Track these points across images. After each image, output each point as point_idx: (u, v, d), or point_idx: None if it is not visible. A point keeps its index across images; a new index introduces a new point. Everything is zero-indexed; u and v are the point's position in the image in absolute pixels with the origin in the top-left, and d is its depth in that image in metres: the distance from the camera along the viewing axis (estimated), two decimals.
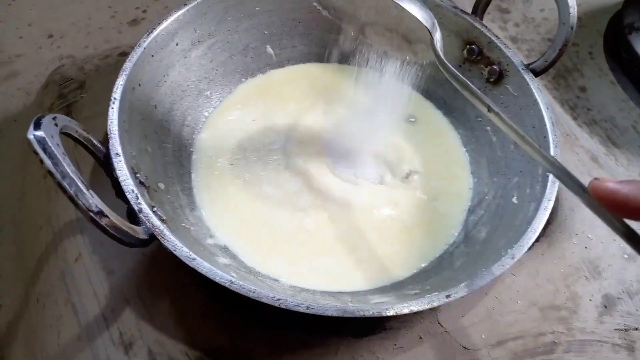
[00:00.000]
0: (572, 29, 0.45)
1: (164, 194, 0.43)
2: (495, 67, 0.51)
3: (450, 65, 0.39)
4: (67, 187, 0.30)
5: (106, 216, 0.32)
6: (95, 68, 0.55)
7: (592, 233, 0.49)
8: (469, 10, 0.53)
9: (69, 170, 0.31)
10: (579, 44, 0.68)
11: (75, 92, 0.53)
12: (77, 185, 0.31)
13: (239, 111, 0.54)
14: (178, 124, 0.49)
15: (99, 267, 0.44)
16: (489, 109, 0.36)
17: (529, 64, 0.49)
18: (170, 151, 0.47)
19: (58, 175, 0.30)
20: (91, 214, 0.31)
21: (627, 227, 0.28)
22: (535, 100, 0.47)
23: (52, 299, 0.43)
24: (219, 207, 0.47)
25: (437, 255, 0.46)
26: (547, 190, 0.42)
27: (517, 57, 0.49)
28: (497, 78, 0.51)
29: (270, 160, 0.50)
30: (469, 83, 0.38)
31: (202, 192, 0.48)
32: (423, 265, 0.45)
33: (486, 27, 0.51)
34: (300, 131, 0.53)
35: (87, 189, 0.31)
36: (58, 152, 0.31)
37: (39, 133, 0.31)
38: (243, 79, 0.56)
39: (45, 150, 0.31)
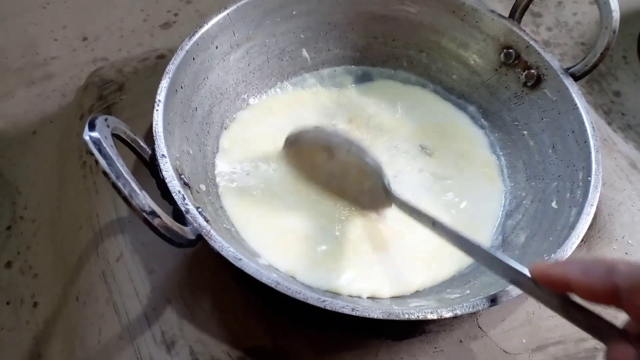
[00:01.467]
0: (614, 32, 0.45)
1: (205, 195, 0.43)
2: (533, 71, 0.50)
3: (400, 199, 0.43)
4: (122, 187, 0.31)
5: (158, 216, 0.32)
6: (134, 70, 0.56)
7: (633, 239, 0.48)
8: (506, 15, 0.53)
9: (122, 171, 0.31)
10: (613, 48, 0.67)
11: (115, 94, 0.54)
12: (131, 185, 0.31)
13: (274, 115, 0.54)
14: (217, 126, 0.50)
15: (140, 267, 0.44)
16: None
17: (568, 68, 0.49)
18: (210, 153, 0.48)
19: (113, 176, 0.31)
20: (144, 214, 0.31)
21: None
22: (575, 104, 0.47)
23: (92, 298, 0.44)
24: (249, 214, 0.46)
25: None
26: (590, 195, 0.42)
27: (555, 61, 0.49)
28: (535, 82, 0.50)
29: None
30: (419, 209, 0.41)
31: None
32: (461, 269, 0.45)
33: (524, 30, 0.51)
34: (337, 134, 0.52)
35: (140, 190, 0.31)
36: (112, 152, 0.31)
37: (94, 134, 0.32)
38: (279, 82, 0.56)
39: (100, 150, 0.31)
